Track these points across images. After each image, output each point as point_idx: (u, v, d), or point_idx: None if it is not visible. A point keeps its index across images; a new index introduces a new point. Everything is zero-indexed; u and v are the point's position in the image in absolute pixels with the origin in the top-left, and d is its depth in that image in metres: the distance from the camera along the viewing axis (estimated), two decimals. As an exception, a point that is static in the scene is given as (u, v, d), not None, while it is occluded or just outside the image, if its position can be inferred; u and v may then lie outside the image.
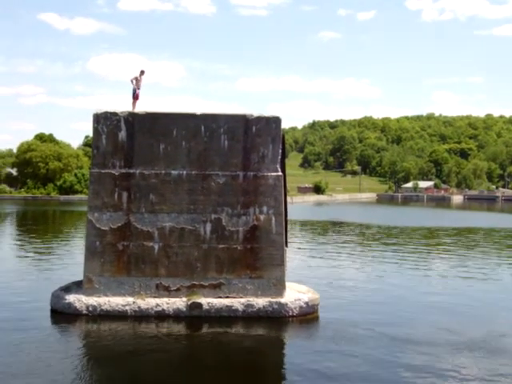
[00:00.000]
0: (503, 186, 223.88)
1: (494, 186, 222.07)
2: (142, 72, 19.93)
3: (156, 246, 18.01)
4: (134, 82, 19.84)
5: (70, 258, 29.87)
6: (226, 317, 17.46)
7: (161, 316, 17.37)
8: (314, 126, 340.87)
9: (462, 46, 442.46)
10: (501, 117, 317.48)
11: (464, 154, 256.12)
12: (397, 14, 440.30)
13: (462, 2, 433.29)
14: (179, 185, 18.17)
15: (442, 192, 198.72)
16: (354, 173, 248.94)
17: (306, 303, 18.11)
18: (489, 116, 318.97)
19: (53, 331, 16.57)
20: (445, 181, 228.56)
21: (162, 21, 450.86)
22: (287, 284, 18.66)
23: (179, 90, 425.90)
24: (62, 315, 17.47)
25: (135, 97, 19.68)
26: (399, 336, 16.02)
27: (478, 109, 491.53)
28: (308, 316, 17.94)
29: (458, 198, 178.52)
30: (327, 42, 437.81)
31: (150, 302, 17.60)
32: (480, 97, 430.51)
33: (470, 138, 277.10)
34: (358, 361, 13.97)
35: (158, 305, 17.55)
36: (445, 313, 19.02)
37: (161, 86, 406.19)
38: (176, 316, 17.39)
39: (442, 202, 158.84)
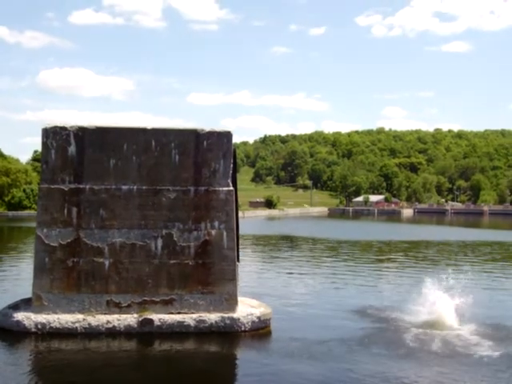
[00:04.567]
0: (452, 200, 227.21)
1: (443, 200, 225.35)
2: None
3: (106, 262, 17.80)
4: None
5: (19, 274, 29.33)
6: (178, 333, 17.31)
7: (112, 333, 17.14)
8: (265, 140, 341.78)
9: (411, 62, 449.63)
10: (449, 131, 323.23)
11: (414, 168, 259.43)
12: (347, 30, 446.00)
13: (411, 18, 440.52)
14: (130, 200, 18.02)
15: (393, 206, 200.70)
16: (305, 187, 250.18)
17: (258, 318, 18.08)
18: (438, 130, 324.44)
19: (0, 350, 16.22)
20: (395, 194, 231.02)
21: (112, 35, 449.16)
22: (239, 299, 18.61)
23: (129, 104, 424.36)
24: (10, 333, 17.09)
25: None
26: (354, 350, 16.04)
27: (427, 123, 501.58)
28: (260, 331, 17.89)
29: (408, 212, 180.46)
30: (278, 57, 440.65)
31: (100, 319, 17.37)
32: (429, 112, 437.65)
33: (420, 152, 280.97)
34: (310, 375, 13.96)
35: (108, 321, 17.33)
36: (401, 327, 19.03)
37: (111, 101, 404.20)
38: (127, 333, 17.19)
39: (393, 216, 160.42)
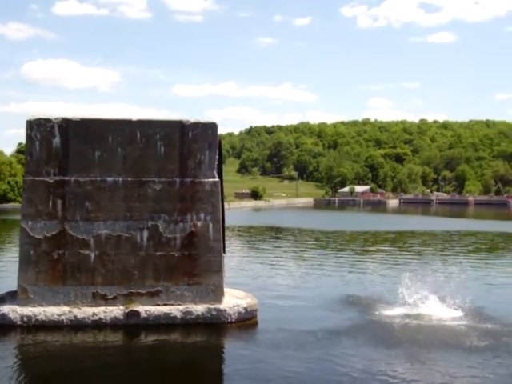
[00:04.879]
0: (437, 190, 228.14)
1: (428, 190, 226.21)
2: None
3: (92, 254, 17.73)
4: None
5: (3, 267, 29.19)
6: (165, 324, 17.29)
7: (98, 325, 17.09)
8: (250, 131, 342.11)
9: (397, 53, 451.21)
10: (434, 122, 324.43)
11: (399, 159, 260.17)
12: (332, 21, 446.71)
13: (396, 9, 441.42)
14: (115, 192, 17.93)
15: (378, 196, 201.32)
16: (291, 178, 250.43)
17: (245, 309, 18.07)
18: (423, 121, 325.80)
19: (-14, 343, 16.16)
20: (380, 185, 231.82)
21: (97, 26, 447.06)
22: (225, 290, 18.60)
23: (115, 96, 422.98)
24: (-4, 326, 17.03)
25: None
26: (340, 340, 16.07)
27: (412, 114, 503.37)
28: (247, 322, 17.89)
29: (393, 202, 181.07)
30: (264, 48, 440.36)
31: (86, 311, 17.31)
32: (415, 102, 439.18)
33: (405, 142, 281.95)
34: (296, 367, 13.96)
35: (94, 314, 17.28)
36: (388, 318, 19.06)
37: (96, 93, 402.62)
38: (113, 325, 17.14)
39: (378, 206, 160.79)
